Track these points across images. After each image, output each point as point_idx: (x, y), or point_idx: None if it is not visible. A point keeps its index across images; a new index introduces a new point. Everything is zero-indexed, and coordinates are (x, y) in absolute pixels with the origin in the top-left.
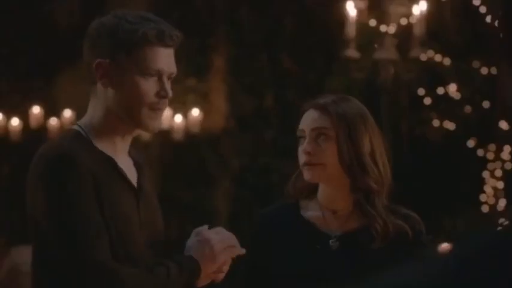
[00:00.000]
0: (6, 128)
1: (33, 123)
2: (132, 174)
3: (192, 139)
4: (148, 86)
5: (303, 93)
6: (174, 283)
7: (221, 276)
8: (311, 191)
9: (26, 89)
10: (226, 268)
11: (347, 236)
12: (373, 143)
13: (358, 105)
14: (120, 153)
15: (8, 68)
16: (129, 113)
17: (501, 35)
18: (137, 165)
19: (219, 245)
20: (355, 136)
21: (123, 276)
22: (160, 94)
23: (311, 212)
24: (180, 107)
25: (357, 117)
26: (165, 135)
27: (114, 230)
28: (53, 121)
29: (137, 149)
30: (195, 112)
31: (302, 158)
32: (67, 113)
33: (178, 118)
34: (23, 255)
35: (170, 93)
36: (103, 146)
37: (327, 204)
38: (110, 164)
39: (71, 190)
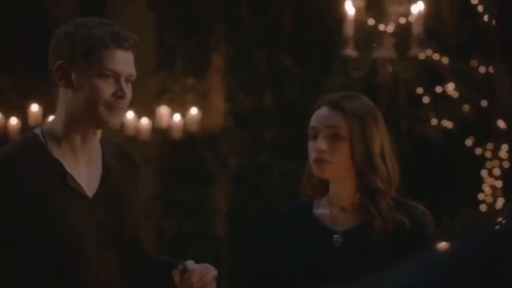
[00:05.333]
0: (5, 126)
1: (32, 121)
2: (92, 180)
3: (190, 138)
4: (105, 87)
5: (302, 92)
6: None
7: None
8: (325, 189)
9: (25, 88)
10: None
11: (350, 231)
12: (383, 142)
13: (369, 103)
14: (81, 157)
15: (7, 66)
16: (87, 111)
17: (497, 34)
18: (107, 168)
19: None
20: (368, 135)
21: None
22: (117, 94)
23: (321, 209)
24: (179, 106)
25: (369, 115)
26: (164, 134)
27: (57, 238)
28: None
29: (120, 147)
30: (194, 111)
31: (313, 154)
32: None
33: (177, 117)
34: None
35: (127, 94)
36: (60, 151)
37: (335, 201)
38: (59, 172)
39: None
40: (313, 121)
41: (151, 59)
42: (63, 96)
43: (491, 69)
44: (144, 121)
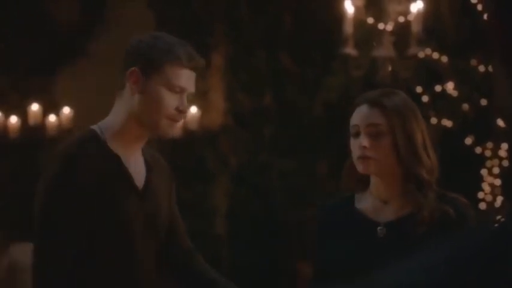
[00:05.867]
0: (5, 125)
1: (32, 120)
2: (139, 174)
3: (190, 137)
4: (171, 100)
5: (301, 91)
6: None
7: None
8: (366, 183)
9: (24, 87)
10: None
11: (393, 223)
12: (424, 134)
13: (407, 99)
14: (132, 153)
15: (7, 65)
16: (149, 119)
17: (496, 34)
18: (148, 165)
19: None
20: (409, 129)
21: None
22: (180, 109)
23: (363, 203)
24: None
25: (408, 110)
26: None
27: (113, 227)
28: (52, 118)
29: (151, 149)
30: (194, 110)
31: (357, 152)
32: (66, 111)
33: None
34: (22, 252)
35: (188, 109)
36: (115, 145)
37: (378, 195)
38: (117, 163)
39: (57, 196)
40: (355, 119)
41: None
42: (128, 98)
43: (490, 68)
44: None
